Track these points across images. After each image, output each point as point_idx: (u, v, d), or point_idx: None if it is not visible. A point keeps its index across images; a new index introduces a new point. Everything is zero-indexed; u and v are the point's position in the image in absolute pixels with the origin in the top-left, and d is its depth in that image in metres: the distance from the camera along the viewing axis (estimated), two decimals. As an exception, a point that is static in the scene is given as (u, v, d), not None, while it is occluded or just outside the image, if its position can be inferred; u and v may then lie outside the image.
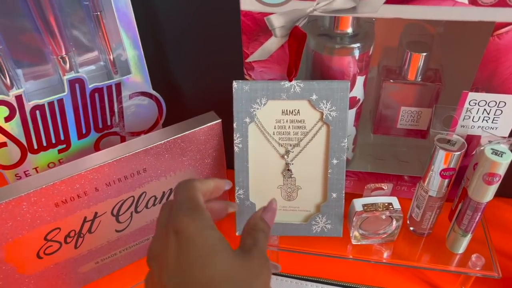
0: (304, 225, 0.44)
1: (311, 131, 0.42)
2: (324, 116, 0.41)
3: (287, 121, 0.42)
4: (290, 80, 0.40)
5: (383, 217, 0.43)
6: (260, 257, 0.30)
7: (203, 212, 0.29)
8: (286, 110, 0.41)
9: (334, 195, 0.43)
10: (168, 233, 0.28)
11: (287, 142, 0.42)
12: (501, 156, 0.38)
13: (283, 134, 0.42)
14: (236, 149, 0.42)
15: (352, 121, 0.46)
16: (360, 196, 0.45)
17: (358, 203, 0.42)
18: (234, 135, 0.41)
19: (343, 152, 0.42)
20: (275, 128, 0.42)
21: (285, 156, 0.42)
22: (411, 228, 0.48)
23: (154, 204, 0.46)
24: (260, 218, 0.36)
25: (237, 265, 0.28)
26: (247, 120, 0.41)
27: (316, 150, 0.42)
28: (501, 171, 0.38)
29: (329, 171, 0.42)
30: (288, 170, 0.43)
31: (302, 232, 0.44)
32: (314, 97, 0.40)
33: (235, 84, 0.41)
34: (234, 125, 0.41)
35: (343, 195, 0.43)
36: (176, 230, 0.28)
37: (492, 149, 0.38)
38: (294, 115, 0.41)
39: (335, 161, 0.42)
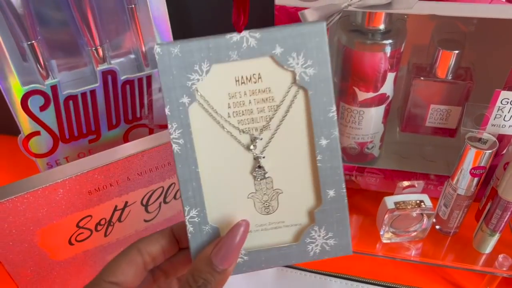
0: (296, 246, 0.30)
1: (283, 103, 0.29)
2: (297, 77, 0.28)
3: (245, 93, 0.29)
4: (240, 30, 0.28)
5: (414, 214, 0.43)
6: None
7: None
8: (241, 76, 0.28)
9: (331, 192, 0.29)
10: None
11: (250, 125, 0.29)
12: (535, 155, 0.38)
13: (243, 114, 0.29)
14: (174, 147, 0.28)
15: (381, 118, 0.46)
16: (386, 194, 0.45)
17: (389, 201, 0.42)
18: (169, 125, 0.28)
19: (334, 126, 0.29)
20: (229, 106, 0.29)
21: (251, 147, 0.29)
22: (437, 227, 0.48)
23: (182, 196, 0.47)
24: (207, 262, 0.27)
25: None
26: (185, 100, 0.28)
27: (295, 131, 0.29)
28: (534, 170, 0.38)
29: (318, 157, 0.29)
30: (259, 167, 0.30)
31: (295, 257, 0.30)
32: (278, 50, 0.28)
33: (158, 48, 0.28)
34: (166, 110, 0.28)
35: (344, 191, 0.29)
36: None
37: (525, 147, 0.38)
38: (254, 82, 0.28)
39: (324, 142, 0.28)
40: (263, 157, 0.29)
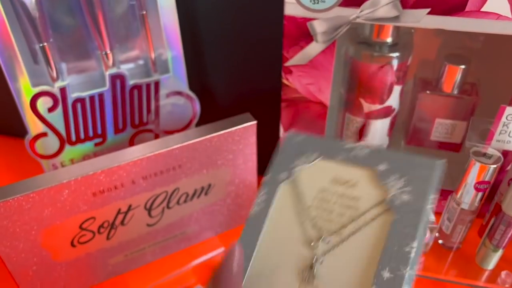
0: None
1: (364, 216, 0.28)
2: (388, 198, 0.28)
3: (335, 193, 0.30)
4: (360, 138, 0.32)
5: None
6: None
7: None
8: (339, 178, 0.30)
9: None
10: None
11: (324, 224, 0.29)
12: (539, 171, 0.38)
13: (323, 210, 0.29)
14: (253, 209, 0.30)
15: (386, 130, 0.47)
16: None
17: None
18: (259, 191, 0.31)
19: (405, 262, 0.26)
20: (315, 198, 0.30)
21: (315, 245, 0.29)
22: (440, 241, 0.47)
23: (185, 201, 0.47)
24: None
25: None
26: (283, 175, 0.31)
27: (363, 248, 0.27)
28: (539, 186, 0.38)
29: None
30: (312, 268, 0.28)
31: None
32: (382, 167, 0.29)
33: (287, 134, 0.33)
34: (265, 178, 0.31)
35: None
36: None
37: (530, 163, 0.38)
38: (348, 187, 0.30)
39: (387, 275, 0.26)
40: (321, 262, 0.28)
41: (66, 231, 0.42)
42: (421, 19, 0.37)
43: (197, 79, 0.54)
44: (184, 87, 0.51)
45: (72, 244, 0.43)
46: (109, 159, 0.41)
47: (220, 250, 0.47)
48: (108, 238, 0.45)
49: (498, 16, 0.36)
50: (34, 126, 0.46)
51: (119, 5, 0.46)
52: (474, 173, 0.41)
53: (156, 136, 0.54)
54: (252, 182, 0.51)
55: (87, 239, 0.44)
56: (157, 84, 0.49)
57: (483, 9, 0.36)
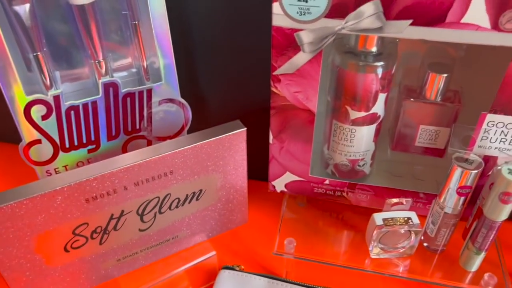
0: None
1: None
2: None
3: None
4: None
5: (402, 231, 0.44)
6: None
7: None
8: None
9: None
10: None
11: None
12: (518, 176, 0.39)
13: None
14: None
15: (372, 136, 0.48)
16: (376, 211, 0.47)
17: (378, 217, 0.44)
18: None
19: None
20: None
21: None
22: (425, 244, 0.49)
23: (177, 206, 0.48)
24: None
25: None
26: None
27: None
28: (517, 190, 0.40)
29: None
30: None
31: None
32: None
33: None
34: None
35: None
36: None
37: (509, 168, 0.40)
38: None
39: None
40: None
41: (59, 236, 0.43)
42: (404, 30, 0.38)
43: (189, 86, 0.55)
44: (176, 94, 0.52)
45: (65, 249, 0.44)
46: (102, 165, 0.42)
47: (212, 253, 0.48)
48: (101, 243, 0.46)
49: (477, 27, 0.37)
50: (28, 133, 0.47)
51: (112, 15, 0.47)
52: (457, 178, 0.42)
53: (149, 143, 0.55)
54: (243, 187, 0.52)
55: (80, 244, 0.44)
56: (149, 91, 0.50)
57: (463, 21, 0.37)
